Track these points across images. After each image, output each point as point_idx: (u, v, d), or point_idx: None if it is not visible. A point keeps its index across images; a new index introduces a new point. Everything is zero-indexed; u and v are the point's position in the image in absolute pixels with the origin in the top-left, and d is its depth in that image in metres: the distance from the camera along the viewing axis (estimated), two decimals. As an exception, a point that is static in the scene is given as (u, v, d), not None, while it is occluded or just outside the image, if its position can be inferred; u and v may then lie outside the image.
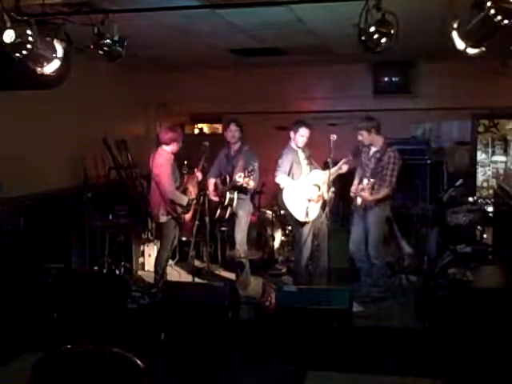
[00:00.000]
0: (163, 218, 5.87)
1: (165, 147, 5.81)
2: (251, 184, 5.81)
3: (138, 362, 2.11)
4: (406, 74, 8.19)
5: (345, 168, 5.75)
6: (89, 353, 2.17)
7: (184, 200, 5.82)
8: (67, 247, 6.17)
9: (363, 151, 5.85)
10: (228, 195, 6.01)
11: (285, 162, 5.82)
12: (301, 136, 5.81)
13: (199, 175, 6.00)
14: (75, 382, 2.08)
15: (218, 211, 6.08)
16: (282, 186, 5.81)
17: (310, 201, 5.74)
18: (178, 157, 6.01)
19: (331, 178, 5.58)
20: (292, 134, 5.87)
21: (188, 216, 6.01)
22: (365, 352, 4.44)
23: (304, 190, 5.75)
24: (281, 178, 5.79)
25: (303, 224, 5.81)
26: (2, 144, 5.67)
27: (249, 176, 5.64)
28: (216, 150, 6.35)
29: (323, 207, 5.82)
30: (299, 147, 5.89)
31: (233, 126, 6.12)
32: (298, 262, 5.99)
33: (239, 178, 5.69)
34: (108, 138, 7.27)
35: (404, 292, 5.92)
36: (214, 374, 4.25)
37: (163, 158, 5.77)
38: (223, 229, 6.82)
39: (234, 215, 6.11)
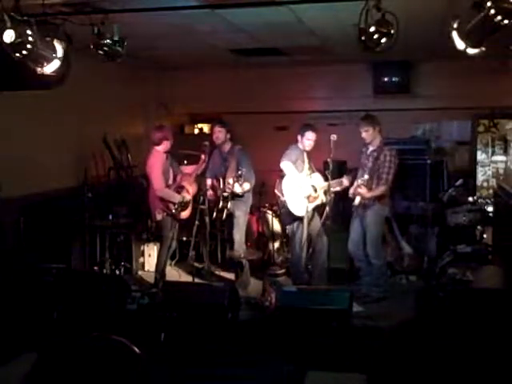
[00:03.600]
0: (159, 216, 5.95)
1: (157, 147, 5.91)
2: (246, 187, 5.86)
3: (135, 348, 2.13)
4: (406, 74, 8.19)
5: (346, 183, 5.80)
6: (87, 341, 2.19)
7: (175, 198, 5.86)
8: (67, 247, 6.18)
9: (362, 151, 5.88)
10: (221, 198, 6.03)
11: (292, 154, 5.84)
12: (307, 140, 5.83)
13: (204, 157, 5.99)
14: (74, 369, 2.09)
15: (215, 213, 6.08)
16: (284, 172, 5.80)
17: (305, 197, 5.77)
18: (172, 155, 6.07)
19: (331, 189, 5.65)
20: (299, 137, 5.89)
21: (185, 215, 6.04)
22: (365, 352, 4.43)
23: (302, 186, 5.78)
24: (286, 164, 5.78)
25: (297, 220, 5.81)
26: (2, 144, 5.67)
27: (237, 181, 5.69)
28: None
29: (318, 210, 5.86)
30: (306, 151, 5.91)
31: (216, 128, 6.14)
32: (296, 262, 6.00)
33: (228, 184, 5.83)
34: (108, 138, 7.27)
35: (404, 292, 5.92)
36: (214, 374, 4.25)
37: (154, 158, 5.90)
38: (223, 229, 6.82)
39: (231, 216, 6.11)
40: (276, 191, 6.00)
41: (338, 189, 5.85)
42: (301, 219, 5.81)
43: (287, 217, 5.98)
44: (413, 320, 4.79)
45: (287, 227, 6.23)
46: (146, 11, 4.40)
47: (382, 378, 3.19)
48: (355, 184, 5.74)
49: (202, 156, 5.98)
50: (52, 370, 2.02)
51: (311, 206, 5.85)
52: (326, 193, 5.68)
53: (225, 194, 6.03)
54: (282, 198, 5.86)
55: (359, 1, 3.45)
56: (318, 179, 5.90)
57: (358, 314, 5.11)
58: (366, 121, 5.74)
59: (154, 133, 5.95)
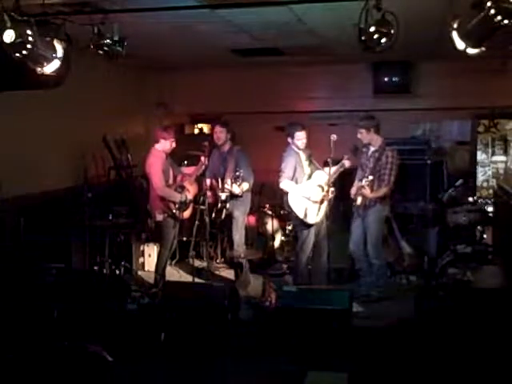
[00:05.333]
0: (159, 217, 5.92)
1: (157, 146, 5.91)
2: (245, 188, 5.85)
3: (107, 355, 2.14)
4: (406, 74, 8.20)
5: (347, 164, 5.75)
6: (60, 348, 2.20)
7: (175, 197, 5.83)
8: (67, 247, 6.17)
9: (362, 151, 5.87)
10: (220, 198, 6.02)
11: (288, 166, 5.78)
12: (298, 140, 5.78)
13: (204, 159, 6.00)
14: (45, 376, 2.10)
15: (213, 214, 6.07)
16: (286, 191, 5.80)
17: (315, 202, 5.73)
18: (171, 155, 6.05)
19: (334, 176, 5.61)
20: (289, 139, 5.84)
21: (186, 215, 6.03)
22: (365, 352, 4.44)
23: (308, 191, 5.74)
24: (285, 184, 5.76)
25: (309, 225, 5.80)
26: (2, 144, 5.67)
27: (235, 181, 5.69)
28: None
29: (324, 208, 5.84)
30: (300, 149, 5.88)
31: (217, 128, 6.14)
32: (299, 261, 5.98)
33: (227, 185, 5.83)
34: (108, 138, 7.27)
35: (404, 292, 5.91)
36: (214, 375, 4.25)
37: (153, 157, 5.88)
38: (223, 229, 6.82)
39: (230, 216, 6.11)
40: (286, 208, 6.00)
41: (341, 170, 5.79)
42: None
43: (298, 222, 5.95)
44: (411, 320, 4.81)
45: (296, 228, 6.21)
46: (145, 11, 4.41)
47: (374, 376, 3.19)
48: (357, 185, 5.73)
49: (202, 158, 5.96)
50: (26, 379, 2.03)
51: (323, 206, 5.82)
52: (329, 186, 5.61)
53: (223, 195, 6.02)
54: (294, 214, 5.84)
55: (359, 1, 3.45)
56: (321, 176, 5.84)
57: (358, 314, 5.10)
58: (361, 122, 5.72)
59: (158, 131, 5.97)
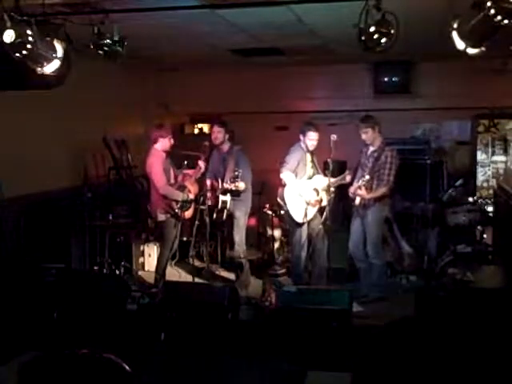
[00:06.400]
0: (161, 217, 5.91)
1: (155, 146, 5.93)
2: (241, 186, 5.84)
3: (126, 366, 2.13)
4: (406, 73, 8.19)
5: (348, 178, 5.79)
6: (77, 357, 2.18)
7: (177, 195, 5.83)
8: (67, 247, 6.18)
9: (362, 151, 5.87)
10: (220, 198, 6.03)
11: (292, 160, 5.83)
12: (310, 140, 5.82)
13: (201, 164, 6.00)
14: None
15: (215, 214, 6.08)
16: (284, 182, 5.81)
17: (308, 203, 5.76)
18: (173, 155, 6.08)
19: (333, 186, 5.64)
20: (301, 136, 5.87)
21: (188, 215, 6.03)
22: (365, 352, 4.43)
23: (303, 192, 5.76)
24: (286, 175, 5.79)
25: (299, 224, 5.82)
26: (2, 144, 5.66)
27: (234, 181, 5.69)
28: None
29: (320, 210, 5.86)
30: (309, 150, 5.89)
31: (215, 128, 6.13)
32: (296, 262, 6.01)
33: (226, 184, 5.82)
34: (108, 138, 7.27)
35: (404, 292, 5.91)
36: (214, 374, 4.25)
37: (153, 156, 5.90)
38: (223, 229, 6.82)
39: (231, 216, 6.11)
40: (279, 200, 6.00)
41: (340, 183, 5.82)
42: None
43: (289, 219, 5.98)
44: (410, 319, 4.81)
45: (288, 227, 6.23)
46: (146, 11, 4.40)
47: (374, 376, 3.18)
48: (355, 185, 5.74)
49: (199, 162, 5.98)
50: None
51: (314, 210, 5.85)
52: (327, 192, 5.65)
53: (223, 196, 6.02)
54: (285, 208, 5.86)
55: (359, 1, 3.45)
56: (320, 180, 5.87)
57: (358, 314, 5.10)
58: (366, 122, 5.72)
59: (154, 131, 5.99)
